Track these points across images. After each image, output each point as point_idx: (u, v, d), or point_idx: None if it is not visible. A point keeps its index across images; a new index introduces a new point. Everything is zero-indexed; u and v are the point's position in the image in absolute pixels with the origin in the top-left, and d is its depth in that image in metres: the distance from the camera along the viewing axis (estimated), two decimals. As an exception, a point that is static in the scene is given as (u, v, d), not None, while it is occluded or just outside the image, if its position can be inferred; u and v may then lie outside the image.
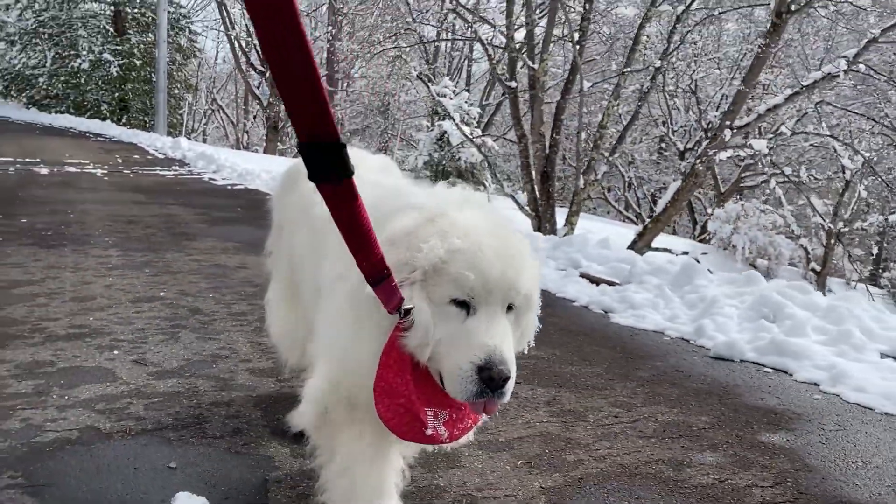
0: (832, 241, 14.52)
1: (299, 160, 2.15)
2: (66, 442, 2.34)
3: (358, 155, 2.40)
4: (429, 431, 1.59)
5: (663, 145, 25.62)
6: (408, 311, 1.55)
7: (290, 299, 2.43)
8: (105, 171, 12.61)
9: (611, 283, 5.50)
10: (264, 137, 27.07)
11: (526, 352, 1.76)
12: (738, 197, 20.03)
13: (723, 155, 9.10)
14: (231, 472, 2.22)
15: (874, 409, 3.21)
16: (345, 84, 30.49)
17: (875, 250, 19.10)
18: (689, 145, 20.59)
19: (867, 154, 13.75)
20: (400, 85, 25.48)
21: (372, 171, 2.23)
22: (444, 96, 15.38)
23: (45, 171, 11.85)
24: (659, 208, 10.51)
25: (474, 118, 16.28)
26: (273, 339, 2.62)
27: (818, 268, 14.86)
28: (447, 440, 1.63)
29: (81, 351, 3.16)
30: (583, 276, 5.83)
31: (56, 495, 2.02)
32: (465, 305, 1.57)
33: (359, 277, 1.49)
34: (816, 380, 3.52)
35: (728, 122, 9.44)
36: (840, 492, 2.45)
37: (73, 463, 2.21)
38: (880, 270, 20.55)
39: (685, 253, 11.21)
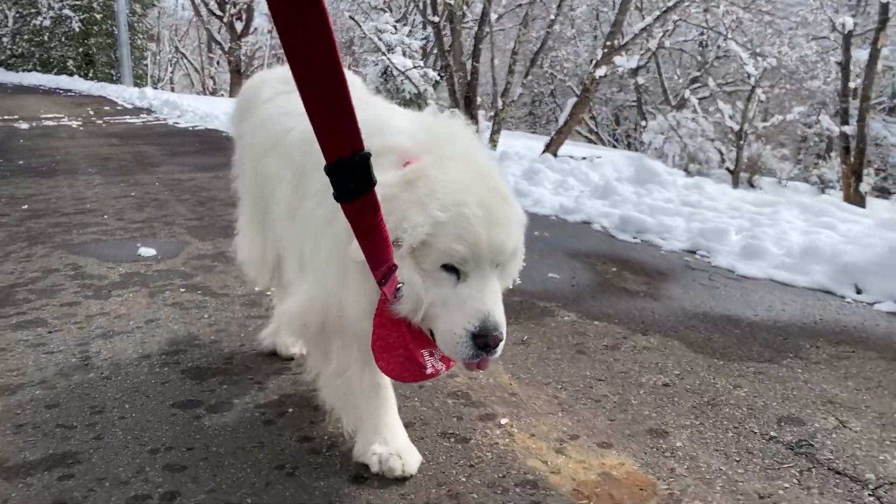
0: (741, 142, 16.66)
1: (254, 80, 2.66)
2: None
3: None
4: (428, 370, 1.72)
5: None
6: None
7: (258, 223, 2.49)
8: (80, 123, 14.55)
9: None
10: (229, 82, 28.61)
11: (511, 287, 1.84)
12: (671, 108, 21.94)
13: (600, 71, 11.09)
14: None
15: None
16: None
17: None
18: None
19: (769, 60, 15.72)
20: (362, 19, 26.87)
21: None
22: (385, 32, 17.18)
23: (24, 125, 13.79)
24: (560, 122, 12.57)
25: (416, 51, 18.04)
26: (240, 263, 2.70)
27: (732, 167, 17.06)
28: (445, 370, 1.77)
29: (86, 218, 5.35)
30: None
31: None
32: (455, 271, 1.61)
33: (346, 231, 1.54)
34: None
35: (609, 43, 11.41)
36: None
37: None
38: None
39: (583, 158, 13.32)
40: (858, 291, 3.50)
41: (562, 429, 2.21)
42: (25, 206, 5.83)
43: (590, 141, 26.90)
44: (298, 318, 1.91)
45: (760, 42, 21.14)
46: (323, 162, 1.37)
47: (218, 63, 33.19)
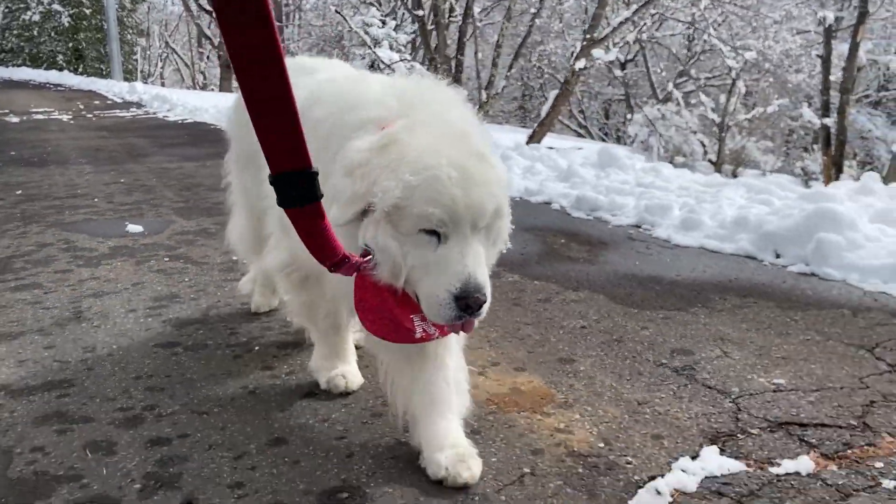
0: (722, 134, 17.11)
1: None
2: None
3: (326, 64, 2.61)
4: (418, 334, 1.74)
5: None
6: (367, 253, 1.66)
7: (249, 208, 2.68)
8: (70, 116, 14.87)
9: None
10: (219, 76, 28.92)
11: (504, 251, 1.88)
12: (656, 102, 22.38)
13: (580, 64, 11.50)
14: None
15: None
16: (296, 17, 32.04)
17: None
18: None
19: (749, 54, 16.16)
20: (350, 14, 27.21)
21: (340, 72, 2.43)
22: (372, 26, 17.54)
23: (15, 119, 14.11)
24: (543, 114, 12.98)
25: (404, 45, 18.41)
26: (232, 244, 3.07)
27: (714, 158, 17.51)
28: (438, 335, 1.80)
29: (77, 202, 5.72)
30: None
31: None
32: (435, 234, 1.63)
33: (328, 198, 1.56)
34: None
35: (588, 36, 11.82)
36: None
37: (81, 233, 4.82)
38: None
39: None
40: (777, 256, 3.91)
41: (486, 358, 2.61)
42: (19, 192, 6.20)
43: (579, 135, 27.33)
44: (280, 269, 2.16)
45: (745, 35, 21.62)
46: (312, 134, 1.43)
47: (208, 58, 33.48)
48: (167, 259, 3.95)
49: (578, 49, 11.50)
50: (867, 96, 29.33)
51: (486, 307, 1.64)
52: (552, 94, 12.81)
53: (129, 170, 7.64)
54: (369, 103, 1.84)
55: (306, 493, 1.80)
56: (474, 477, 1.81)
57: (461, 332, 1.75)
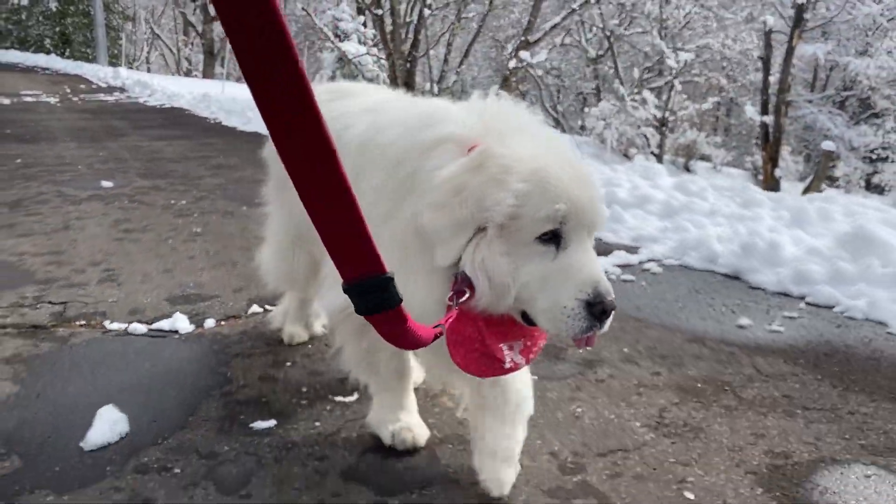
0: (663, 128, 19.22)
1: None
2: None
3: (366, 88, 2.61)
4: (507, 365, 1.74)
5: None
6: (462, 290, 1.64)
7: (291, 236, 2.62)
8: (57, 100, 16.89)
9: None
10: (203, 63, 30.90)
11: None
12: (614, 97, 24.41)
13: (513, 63, 13.54)
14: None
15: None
16: (283, 5, 33.96)
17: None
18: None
19: (688, 55, 18.24)
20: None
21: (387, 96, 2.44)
22: (342, 20, 19.58)
23: (7, 101, 16.13)
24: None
25: (371, 38, 20.44)
26: (263, 272, 2.96)
27: (657, 151, 19.63)
28: (525, 364, 1.80)
29: (65, 168, 7.74)
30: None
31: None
32: (554, 240, 1.62)
33: (408, 219, 1.65)
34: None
35: (523, 39, 13.85)
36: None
37: (68, 188, 6.89)
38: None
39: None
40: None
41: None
42: (19, 160, 8.23)
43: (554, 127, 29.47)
44: (339, 312, 2.01)
45: (704, 35, 23.76)
46: (381, 161, 1.57)
47: (192, 44, 35.47)
48: (127, 202, 5.98)
49: (509, 50, 13.54)
50: (829, 96, 31.53)
51: (611, 316, 1.63)
52: (492, 89, 14.81)
53: (107, 146, 9.67)
54: (446, 120, 1.83)
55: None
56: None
57: (586, 347, 1.71)
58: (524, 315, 1.72)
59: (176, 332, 3.16)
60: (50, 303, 3.53)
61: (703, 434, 2.47)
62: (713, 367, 3.04)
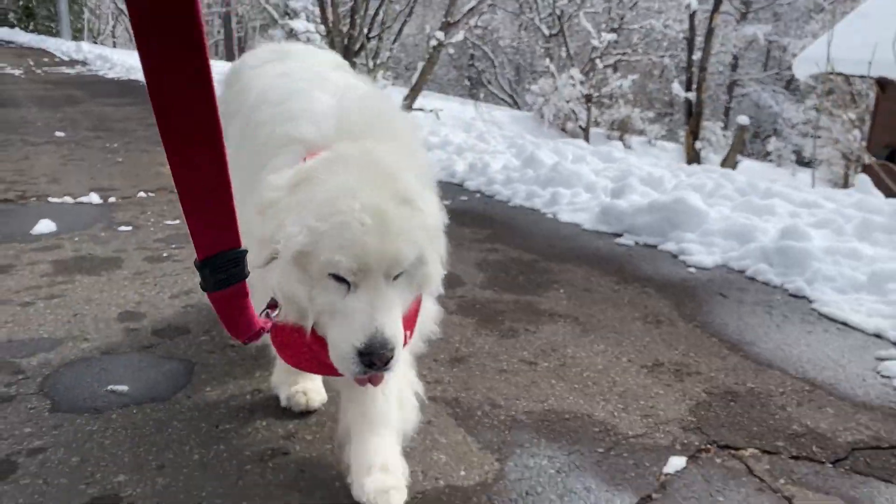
0: (588, 104, 21.63)
1: (244, 59, 2.70)
2: (26, 136, 9.32)
3: (308, 51, 2.67)
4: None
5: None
6: (274, 305, 1.71)
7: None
8: (21, 72, 19.03)
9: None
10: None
11: (436, 295, 1.96)
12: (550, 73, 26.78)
13: (433, 42, 15.81)
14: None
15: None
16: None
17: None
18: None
19: (610, 36, 20.65)
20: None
21: (323, 66, 2.45)
22: (291, -1, 21.78)
23: (-26, 72, 18.28)
24: (413, 81, 17.34)
25: (317, 17, 22.66)
26: None
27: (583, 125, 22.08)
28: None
29: (27, 126, 10.01)
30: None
31: (26, 140, 9.02)
32: (344, 280, 1.64)
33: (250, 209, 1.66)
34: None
35: (444, 20, 16.16)
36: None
37: (29, 138, 9.21)
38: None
39: (431, 110, 18.13)
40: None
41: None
42: (-11, 119, 10.52)
43: (508, 103, 31.88)
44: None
45: (648, 15, 26.31)
46: (251, 142, 1.69)
47: (157, 19, 37.24)
48: (74, 145, 8.31)
49: (428, 30, 15.77)
50: (777, 74, 34.11)
51: (395, 360, 1.65)
52: (419, 65, 17.17)
53: (64, 111, 11.94)
54: (303, 119, 1.85)
55: None
56: None
57: (368, 385, 1.77)
58: None
59: (90, 202, 5.52)
60: (14, 191, 5.87)
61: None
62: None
